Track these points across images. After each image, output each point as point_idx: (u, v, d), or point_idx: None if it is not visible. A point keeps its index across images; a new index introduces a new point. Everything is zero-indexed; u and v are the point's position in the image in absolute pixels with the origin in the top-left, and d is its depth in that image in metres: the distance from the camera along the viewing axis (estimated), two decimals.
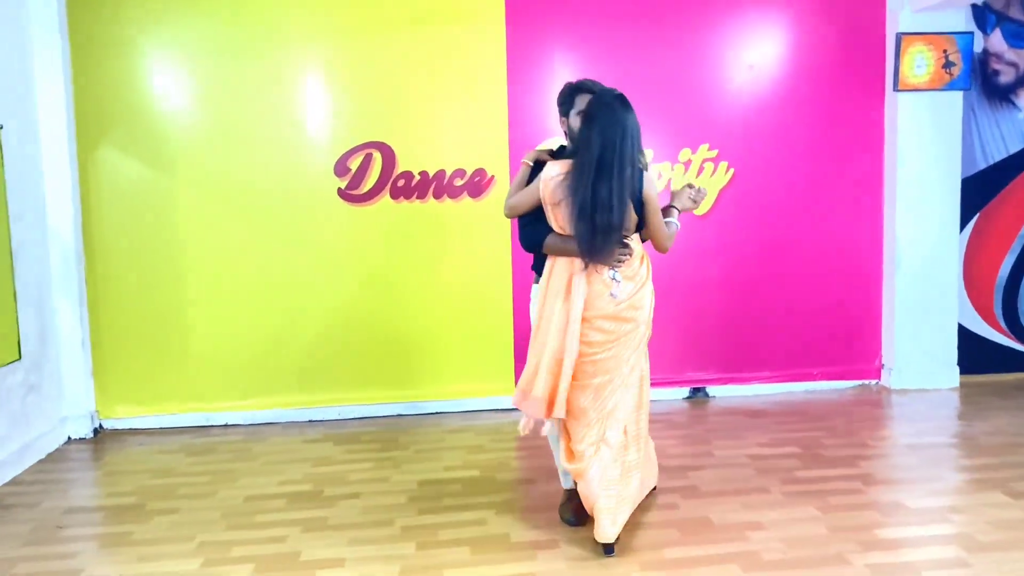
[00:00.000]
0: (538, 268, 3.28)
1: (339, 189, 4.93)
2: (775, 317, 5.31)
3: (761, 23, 5.12)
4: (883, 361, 5.41)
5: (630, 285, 3.07)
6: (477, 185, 4.98)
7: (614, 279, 3.03)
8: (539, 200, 3.08)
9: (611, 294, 3.03)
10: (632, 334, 3.08)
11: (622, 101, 2.97)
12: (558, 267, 3.11)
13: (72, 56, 4.68)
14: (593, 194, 2.90)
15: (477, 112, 4.94)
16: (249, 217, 4.90)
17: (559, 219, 3.06)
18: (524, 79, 4.98)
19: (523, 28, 4.95)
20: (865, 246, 5.35)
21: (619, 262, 3.03)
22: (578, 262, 3.03)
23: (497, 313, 5.06)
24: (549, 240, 3.11)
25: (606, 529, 3.01)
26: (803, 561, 2.97)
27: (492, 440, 4.51)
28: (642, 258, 3.15)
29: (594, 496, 3.05)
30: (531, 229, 3.19)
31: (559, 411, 3.06)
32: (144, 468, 4.26)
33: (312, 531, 3.39)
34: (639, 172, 3.00)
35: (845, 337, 5.40)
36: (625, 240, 3.02)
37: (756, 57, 5.13)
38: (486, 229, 4.99)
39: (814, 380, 5.39)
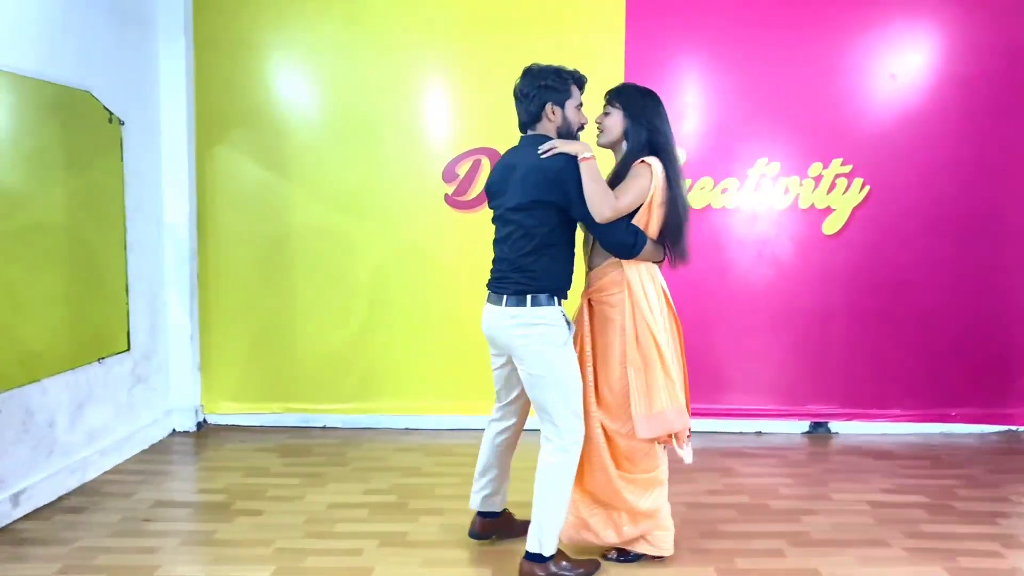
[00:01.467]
0: (551, 288, 2.89)
1: (446, 195, 4.82)
2: (910, 350, 4.84)
3: (905, 29, 4.69)
4: None
5: None
6: None
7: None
8: (644, 199, 2.84)
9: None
10: None
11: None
12: (647, 274, 2.89)
13: (196, 55, 4.78)
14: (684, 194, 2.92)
15: (591, 119, 4.72)
16: (360, 220, 4.87)
17: (655, 221, 2.86)
18: (643, 84, 4.73)
19: (643, 35, 4.71)
20: (1019, 276, 4.81)
21: None
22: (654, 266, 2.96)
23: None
24: (647, 244, 2.88)
25: None
26: None
27: None
28: None
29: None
30: (634, 230, 2.85)
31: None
32: (239, 466, 4.27)
33: (389, 546, 3.26)
34: None
35: (990, 376, 4.86)
36: None
37: (899, 66, 4.70)
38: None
39: (951, 422, 4.88)
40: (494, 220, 3.05)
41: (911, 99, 4.72)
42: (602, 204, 2.72)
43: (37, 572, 3.01)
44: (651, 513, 3.00)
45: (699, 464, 4.30)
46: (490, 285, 3.00)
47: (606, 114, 3.02)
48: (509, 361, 3.06)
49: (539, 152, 2.80)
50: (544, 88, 2.89)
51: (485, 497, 3.27)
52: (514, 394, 3.18)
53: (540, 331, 2.81)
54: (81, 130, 3.96)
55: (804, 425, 4.93)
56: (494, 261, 3.02)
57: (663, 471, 3.03)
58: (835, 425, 4.92)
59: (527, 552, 2.89)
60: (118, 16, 4.27)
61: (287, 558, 3.14)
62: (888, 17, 4.67)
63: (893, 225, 4.77)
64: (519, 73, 2.94)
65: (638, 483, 2.97)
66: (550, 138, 2.89)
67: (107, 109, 4.16)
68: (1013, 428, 4.88)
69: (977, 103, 4.69)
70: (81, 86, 3.95)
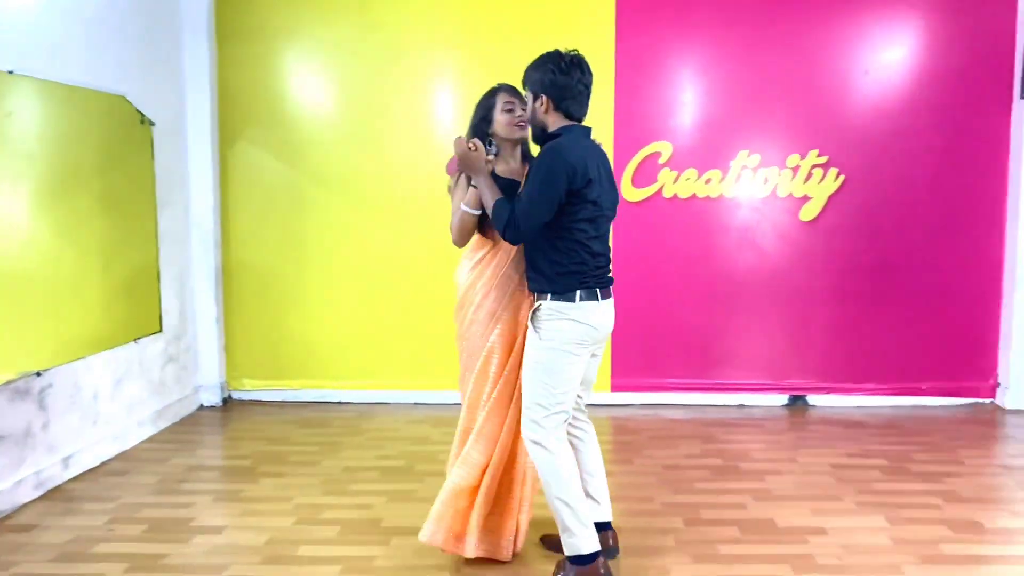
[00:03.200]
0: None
1: (449, 187, 5.18)
2: (884, 329, 5.20)
3: (877, 26, 5.02)
4: (999, 380, 5.19)
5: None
6: None
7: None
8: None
9: None
10: None
11: None
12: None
13: (219, 57, 5.19)
14: None
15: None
16: (371, 212, 5.28)
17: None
18: (632, 81, 5.11)
19: (632, 30, 5.07)
20: (985, 260, 5.15)
21: None
22: None
23: None
24: None
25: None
26: (856, 568, 2.98)
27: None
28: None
29: None
30: None
31: None
32: (262, 436, 4.69)
33: (397, 502, 3.67)
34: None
35: (959, 353, 5.22)
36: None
37: (872, 62, 5.04)
38: None
39: (922, 395, 5.24)
40: (591, 215, 2.79)
41: (883, 93, 5.06)
42: None
43: (89, 523, 3.45)
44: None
45: (682, 431, 4.70)
46: (601, 282, 2.84)
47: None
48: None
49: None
50: (539, 82, 2.84)
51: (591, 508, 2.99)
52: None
53: None
54: (117, 132, 4.38)
55: (784, 398, 5.30)
56: (596, 255, 2.83)
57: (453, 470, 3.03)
58: (813, 398, 5.29)
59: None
60: (148, 19, 4.68)
61: (306, 511, 3.56)
62: (861, 14, 5.01)
63: (866, 212, 5.12)
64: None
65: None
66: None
67: (139, 111, 4.57)
68: (980, 400, 5.23)
69: (946, 97, 5.02)
70: (117, 91, 4.37)
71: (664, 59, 5.12)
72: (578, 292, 2.77)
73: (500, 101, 3.03)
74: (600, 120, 5.05)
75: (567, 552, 2.80)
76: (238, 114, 5.26)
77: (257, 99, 5.25)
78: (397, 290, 5.32)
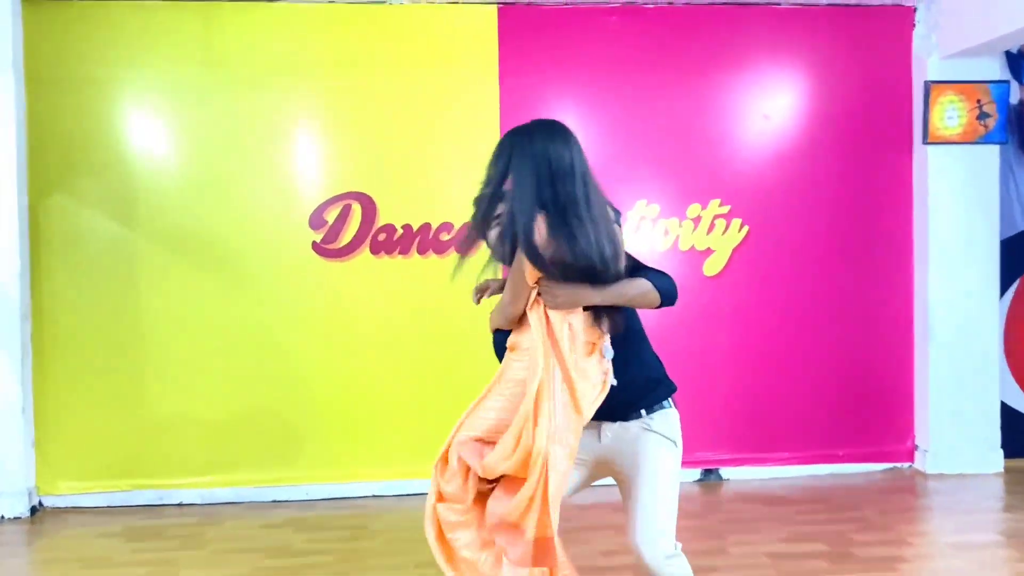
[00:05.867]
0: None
1: (314, 243, 4.49)
2: (794, 390, 4.78)
3: (776, 70, 4.73)
4: (917, 442, 4.86)
5: None
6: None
7: None
8: None
9: None
10: None
11: None
12: None
13: (28, 95, 4.32)
14: None
15: (467, 162, 4.51)
16: (216, 273, 4.47)
17: None
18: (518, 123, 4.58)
19: (517, 73, 4.57)
20: (894, 313, 4.85)
21: None
22: None
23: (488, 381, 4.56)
24: None
25: None
26: None
27: None
28: None
29: None
30: None
31: None
32: (77, 556, 3.75)
33: None
34: None
35: (873, 414, 4.86)
36: None
37: (772, 107, 4.72)
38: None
39: (839, 462, 4.83)
40: None
41: (784, 138, 4.74)
42: None
43: None
44: None
45: (591, 519, 4.08)
46: None
47: None
48: None
49: None
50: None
51: None
52: None
53: None
54: None
55: (696, 473, 4.78)
56: None
57: None
58: (726, 471, 4.80)
59: None
60: None
61: None
62: (758, 56, 4.70)
63: (772, 265, 4.75)
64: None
65: None
66: None
67: None
68: (898, 465, 4.88)
69: (848, 141, 4.75)
70: None
71: (551, 102, 4.62)
72: None
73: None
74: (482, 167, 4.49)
75: None
76: (55, 159, 4.37)
77: (80, 143, 4.38)
78: (249, 363, 4.49)
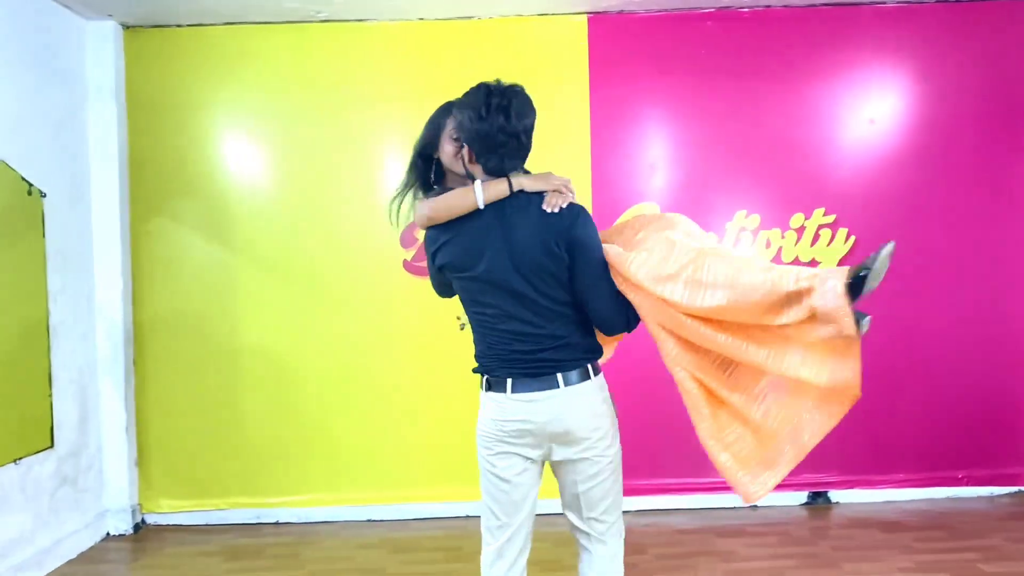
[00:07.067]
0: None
1: (404, 261, 4.46)
2: (910, 410, 4.49)
3: (882, 71, 4.47)
4: None
5: None
6: None
7: None
8: None
9: None
10: None
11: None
12: None
13: (129, 120, 4.42)
14: None
15: (557, 174, 4.42)
16: (310, 292, 4.48)
17: None
18: (609, 140, 4.47)
19: (608, 83, 4.45)
20: (1020, 326, 4.52)
21: None
22: None
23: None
24: None
25: None
26: None
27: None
28: None
29: None
30: None
31: None
32: (179, 574, 3.77)
33: None
34: None
35: (997, 435, 4.53)
36: None
37: (878, 110, 4.48)
38: None
39: (959, 485, 4.52)
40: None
41: (891, 143, 4.49)
42: None
43: None
44: None
45: (693, 545, 3.91)
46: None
47: None
48: None
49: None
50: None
51: None
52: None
53: None
54: None
55: (802, 496, 4.54)
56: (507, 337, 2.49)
57: None
58: (835, 494, 4.54)
59: None
60: (37, 74, 3.90)
61: None
62: (862, 61, 4.46)
63: (884, 276, 4.47)
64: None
65: None
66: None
67: (25, 180, 3.76)
68: (1023, 489, 4.54)
69: (958, 144, 4.47)
70: None
71: (645, 115, 4.48)
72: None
73: (449, 126, 2.33)
74: (578, 180, 4.38)
75: None
76: (155, 183, 4.46)
77: (179, 166, 4.46)
78: (344, 382, 4.48)
